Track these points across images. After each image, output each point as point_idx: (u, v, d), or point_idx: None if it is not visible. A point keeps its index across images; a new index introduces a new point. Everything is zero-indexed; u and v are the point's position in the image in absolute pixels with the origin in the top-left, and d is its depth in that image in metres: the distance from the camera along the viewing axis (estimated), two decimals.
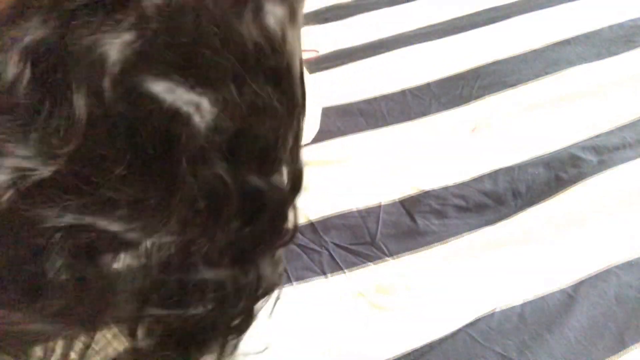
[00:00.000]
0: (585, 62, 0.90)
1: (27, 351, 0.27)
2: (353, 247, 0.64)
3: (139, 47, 0.23)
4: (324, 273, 0.61)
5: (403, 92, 0.88)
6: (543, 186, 0.69)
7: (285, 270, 0.62)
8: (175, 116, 0.24)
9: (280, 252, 0.33)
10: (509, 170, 0.72)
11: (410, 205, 0.68)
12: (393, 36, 1.02)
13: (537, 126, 0.79)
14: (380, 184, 0.72)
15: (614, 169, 0.70)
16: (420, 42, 0.99)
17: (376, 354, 0.54)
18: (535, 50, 0.94)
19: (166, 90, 0.24)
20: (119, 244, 0.26)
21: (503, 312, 0.55)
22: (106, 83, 0.22)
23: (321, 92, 0.86)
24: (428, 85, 0.89)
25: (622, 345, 0.52)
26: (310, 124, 0.80)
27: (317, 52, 0.99)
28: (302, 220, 0.67)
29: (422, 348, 0.54)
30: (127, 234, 0.25)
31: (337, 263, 0.62)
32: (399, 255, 0.63)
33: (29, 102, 0.22)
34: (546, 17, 1.03)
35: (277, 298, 0.34)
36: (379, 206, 0.68)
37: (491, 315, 0.54)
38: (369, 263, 0.62)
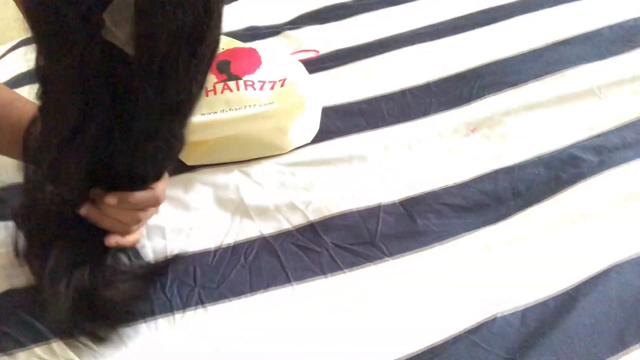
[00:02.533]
0: (585, 62, 0.90)
1: None
2: (353, 247, 0.64)
3: None
4: (323, 273, 0.61)
5: (403, 92, 0.88)
6: (543, 186, 0.69)
7: (285, 271, 0.62)
8: None
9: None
10: (509, 170, 0.72)
11: (410, 206, 0.68)
12: (393, 36, 1.02)
13: (537, 126, 0.79)
14: (380, 184, 0.72)
15: (614, 169, 0.70)
16: (420, 42, 0.99)
17: (376, 355, 0.54)
18: (535, 50, 0.94)
19: None
20: None
21: (504, 317, 0.55)
22: None
23: (321, 92, 0.86)
24: (428, 85, 0.89)
25: (622, 345, 0.52)
26: (310, 124, 0.80)
27: (317, 52, 0.99)
28: (302, 220, 0.67)
29: (422, 351, 0.54)
30: None
31: (337, 263, 0.62)
32: (399, 255, 0.63)
33: None
34: (546, 17, 1.03)
35: None
36: (379, 206, 0.68)
37: (493, 320, 0.54)
38: (369, 263, 0.62)
